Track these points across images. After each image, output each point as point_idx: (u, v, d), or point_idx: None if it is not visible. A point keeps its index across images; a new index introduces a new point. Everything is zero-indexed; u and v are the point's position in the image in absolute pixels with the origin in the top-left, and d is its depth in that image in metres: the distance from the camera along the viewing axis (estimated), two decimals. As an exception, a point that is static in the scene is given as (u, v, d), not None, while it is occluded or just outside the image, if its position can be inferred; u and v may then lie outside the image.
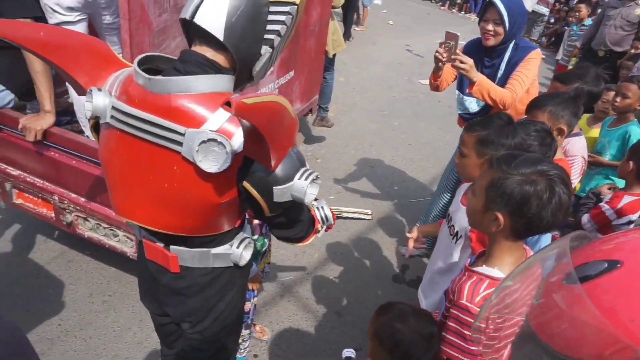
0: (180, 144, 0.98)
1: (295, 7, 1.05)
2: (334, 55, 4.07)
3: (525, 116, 1.92)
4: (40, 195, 2.13)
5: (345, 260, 2.93)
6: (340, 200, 3.52)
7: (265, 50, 1.07)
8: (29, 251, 2.60)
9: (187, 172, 1.02)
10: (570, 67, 5.62)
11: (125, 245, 2.06)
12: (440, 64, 2.21)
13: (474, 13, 11.88)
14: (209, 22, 0.99)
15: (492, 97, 2.12)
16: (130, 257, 2.07)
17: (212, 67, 1.04)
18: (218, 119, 0.97)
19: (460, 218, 1.55)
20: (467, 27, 10.79)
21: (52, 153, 1.99)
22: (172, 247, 1.19)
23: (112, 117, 1.05)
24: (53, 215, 2.16)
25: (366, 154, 4.37)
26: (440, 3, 12.97)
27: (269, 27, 1.06)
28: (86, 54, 1.11)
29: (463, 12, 12.28)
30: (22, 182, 2.13)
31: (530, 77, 2.20)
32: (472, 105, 2.43)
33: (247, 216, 1.33)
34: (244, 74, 1.10)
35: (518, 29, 2.23)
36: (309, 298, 2.61)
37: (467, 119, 2.48)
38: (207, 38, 1.03)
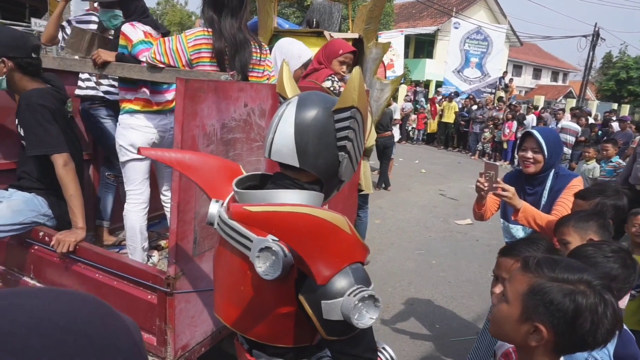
0: (250, 249, 1.07)
1: (355, 109, 1.10)
2: (367, 194, 4.27)
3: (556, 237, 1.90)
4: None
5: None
6: (378, 338, 3.32)
7: (342, 156, 1.14)
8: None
9: (255, 278, 1.08)
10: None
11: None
12: (482, 192, 2.28)
13: (505, 161, 12.39)
14: (283, 155, 1.13)
15: (539, 223, 2.13)
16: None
17: (294, 185, 1.17)
18: None
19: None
20: (500, 173, 11.17)
21: (97, 275, 2.09)
22: (253, 351, 1.23)
23: (217, 224, 1.22)
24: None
25: (404, 292, 4.24)
26: (470, 153, 13.69)
27: (339, 134, 1.12)
28: (217, 174, 1.37)
29: (493, 160, 12.83)
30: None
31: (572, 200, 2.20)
32: (519, 232, 2.41)
33: None
34: (332, 182, 1.19)
35: (556, 157, 2.31)
36: None
37: None
38: (285, 166, 1.17)
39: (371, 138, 4.11)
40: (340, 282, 1.00)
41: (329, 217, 1.01)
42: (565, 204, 2.19)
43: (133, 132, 2.52)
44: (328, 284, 1.00)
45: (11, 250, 2.32)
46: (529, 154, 2.30)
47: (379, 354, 1.21)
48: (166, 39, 2.20)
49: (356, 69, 1.11)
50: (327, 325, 1.02)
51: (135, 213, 2.59)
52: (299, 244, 0.99)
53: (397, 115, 9.92)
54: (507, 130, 12.21)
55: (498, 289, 1.37)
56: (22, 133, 2.24)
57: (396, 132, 9.63)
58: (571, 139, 10.51)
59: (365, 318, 0.99)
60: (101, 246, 2.91)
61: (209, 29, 2.22)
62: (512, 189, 2.15)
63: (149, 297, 1.92)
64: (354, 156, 1.17)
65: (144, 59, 2.31)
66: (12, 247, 2.24)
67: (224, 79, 1.93)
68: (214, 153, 1.91)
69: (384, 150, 7.86)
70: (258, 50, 2.40)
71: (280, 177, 1.21)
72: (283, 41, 2.94)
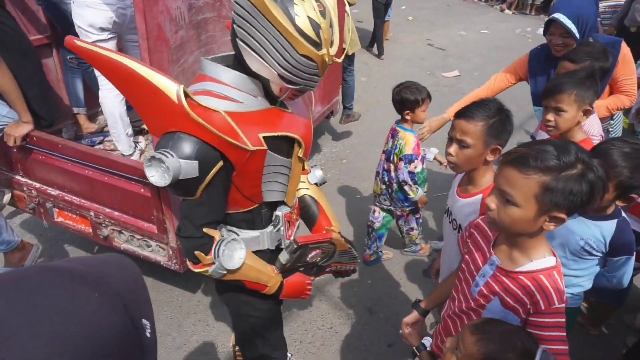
0: None
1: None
2: (353, 54, 4.08)
3: (544, 102, 1.83)
4: (78, 212, 2.26)
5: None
6: (365, 200, 3.53)
7: (238, 43, 1.13)
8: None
9: None
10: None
11: (159, 254, 2.15)
12: None
13: (497, 1, 11.62)
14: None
15: (610, 108, 2.24)
16: (164, 265, 2.16)
17: (231, 60, 1.22)
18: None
19: (459, 211, 1.52)
20: (490, 16, 10.58)
21: (86, 171, 2.10)
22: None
23: None
24: (91, 230, 2.27)
25: (391, 151, 4.35)
26: (460, -6, 12.74)
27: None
28: None
29: (484, 1, 12.02)
30: (62, 200, 2.26)
31: (633, 69, 2.25)
32: None
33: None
34: (249, 71, 1.17)
35: (591, 29, 2.14)
36: (340, 297, 2.63)
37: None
38: None
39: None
40: (161, 140, 1.12)
41: (148, 75, 1.04)
42: (629, 79, 2.21)
43: (89, 10, 2.28)
44: (159, 140, 1.13)
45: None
46: (558, 40, 2.13)
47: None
48: None
49: None
50: None
51: (110, 99, 2.48)
52: (120, 87, 1.10)
53: None
54: (501, -36, 11.19)
55: (453, 149, 1.42)
56: None
57: None
58: None
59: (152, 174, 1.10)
60: (83, 134, 2.87)
61: None
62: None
63: (142, 190, 1.97)
64: (263, 50, 1.09)
65: None
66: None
67: (182, -51, 1.68)
68: (184, 39, 1.76)
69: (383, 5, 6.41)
70: None
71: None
72: None
